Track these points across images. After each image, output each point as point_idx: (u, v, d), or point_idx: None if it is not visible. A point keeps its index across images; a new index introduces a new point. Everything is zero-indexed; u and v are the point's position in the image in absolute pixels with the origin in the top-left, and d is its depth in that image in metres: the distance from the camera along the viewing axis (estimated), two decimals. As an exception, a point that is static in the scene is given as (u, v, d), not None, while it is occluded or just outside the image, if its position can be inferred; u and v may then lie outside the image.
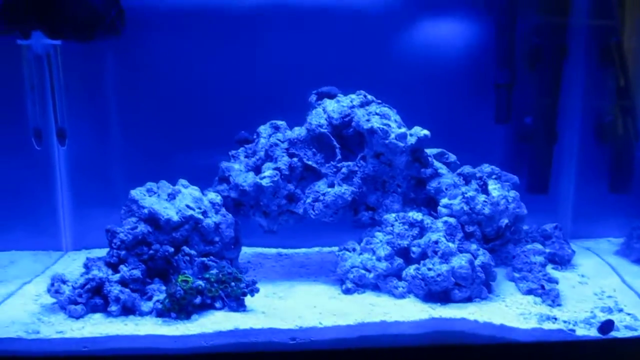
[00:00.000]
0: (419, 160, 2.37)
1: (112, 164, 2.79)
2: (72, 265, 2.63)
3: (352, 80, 2.60)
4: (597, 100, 2.81)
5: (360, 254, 2.32)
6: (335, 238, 2.75)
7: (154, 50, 2.69)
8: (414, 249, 2.24)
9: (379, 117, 2.33)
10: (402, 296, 2.21)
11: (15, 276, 2.47)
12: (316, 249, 2.88)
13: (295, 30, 2.70)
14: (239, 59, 2.72)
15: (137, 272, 2.15)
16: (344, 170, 2.36)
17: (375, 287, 2.28)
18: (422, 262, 2.21)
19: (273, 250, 2.87)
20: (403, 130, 2.31)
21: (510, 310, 2.13)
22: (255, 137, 2.52)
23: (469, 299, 2.18)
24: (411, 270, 2.20)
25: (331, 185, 2.36)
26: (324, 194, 2.34)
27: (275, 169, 2.36)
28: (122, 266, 2.17)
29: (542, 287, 2.21)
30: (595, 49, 2.77)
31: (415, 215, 2.29)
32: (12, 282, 2.40)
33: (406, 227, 2.27)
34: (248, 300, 2.14)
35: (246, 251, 2.79)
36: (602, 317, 2.03)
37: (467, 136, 2.73)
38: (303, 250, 2.87)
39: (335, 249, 2.75)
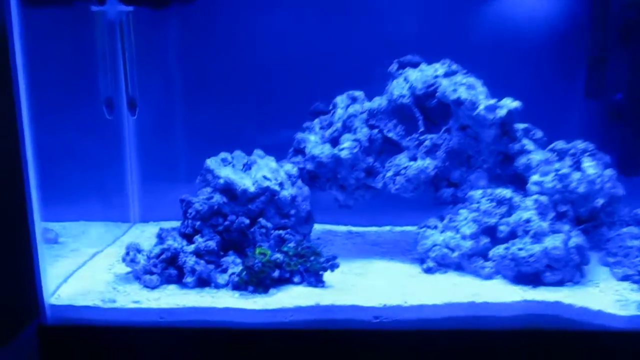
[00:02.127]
0: (507, 134, 2.23)
1: (180, 135, 2.73)
2: (140, 237, 2.59)
3: (434, 49, 2.46)
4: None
5: (443, 231, 2.20)
6: (407, 218, 2.65)
7: (225, 19, 2.61)
8: (501, 227, 2.11)
9: (465, 87, 2.19)
10: (489, 277, 2.08)
11: (87, 245, 2.44)
12: (387, 227, 2.77)
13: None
14: (313, 28, 2.62)
15: (212, 244, 2.08)
16: (427, 143, 2.24)
17: (458, 267, 2.16)
18: (510, 241, 2.07)
19: (343, 228, 2.77)
20: (492, 101, 2.17)
21: (605, 296, 1.98)
22: (331, 108, 2.42)
23: (560, 282, 2.04)
24: (500, 249, 2.07)
25: (413, 159, 2.24)
26: (405, 168, 2.23)
27: (354, 140, 2.26)
28: (197, 237, 2.10)
29: (641, 272, 2.05)
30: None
31: (503, 192, 2.15)
32: (85, 252, 2.37)
33: (494, 204, 2.14)
34: (327, 276, 2.05)
35: (315, 227, 2.70)
36: None
37: (554, 111, 2.57)
38: (374, 228, 2.77)
39: (408, 228, 2.65)
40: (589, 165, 2.17)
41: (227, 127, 2.70)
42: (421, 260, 2.21)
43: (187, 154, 2.73)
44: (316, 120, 2.42)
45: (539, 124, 2.41)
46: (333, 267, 2.03)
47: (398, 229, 2.75)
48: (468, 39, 2.57)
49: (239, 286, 2.01)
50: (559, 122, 2.55)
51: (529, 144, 2.28)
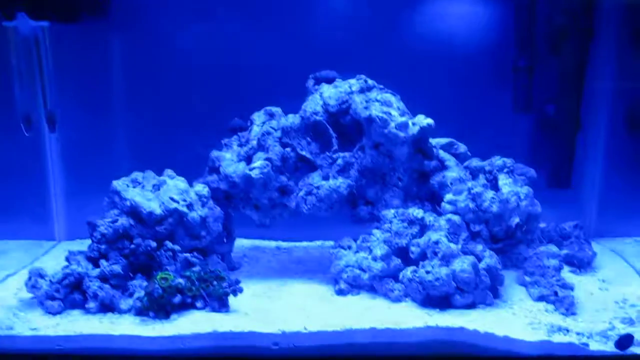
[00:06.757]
0: (422, 151, 2.18)
1: (105, 149, 2.68)
2: (62, 257, 2.54)
3: (357, 64, 2.41)
4: (629, 85, 2.54)
5: (356, 252, 2.15)
6: (341, 231, 2.59)
7: (145, 32, 2.55)
8: (413, 248, 2.06)
9: (379, 104, 2.14)
10: (398, 300, 2.04)
11: (1, 267, 2.39)
12: (318, 242, 2.73)
13: (295, 10, 2.52)
14: (235, 42, 2.56)
15: (117, 268, 2.04)
16: (339, 161, 2.19)
17: (371, 289, 2.11)
18: (421, 263, 2.03)
19: (272, 244, 2.73)
20: (404, 119, 2.11)
21: (517, 319, 1.93)
22: (249, 124, 2.37)
23: (471, 305, 1.99)
24: (408, 272, 2.02)
25: (326, 178, 2.20)
26: (317, 187, 2.18)
27: (266, 159, 2.21)
28: (102, 261, 2.06)
29: (555, 293, 2.00)
30: (628, 28, 2.49)
31: (415, 212, 2.10)
32: (-4, 274, 2.33)
33: (405, 224, 2.09)
34: (234, 300, 2.01)
35: (243, 244, 2.67)
36: (622, 329, 1.83)
37: (484, 125, 2.51)
38: (304, 244, 2.72)
39: (338, 243, 2.60)
40: (504, 184, 2.12)
41: (153, 138, 2.64)
42: (335, 281, 2.17)
43: (113, 166, 2.67)
44: (234, 137, 2.37)
45: (469, 139, 2.36)
46: (235, 292, 1.99)
47: (329, 243, 2.70)
48: (396, 52, 2.50)
49: (141, 312, 1.97)
50: (490, 136, 2.49)
51: (449, 160, 2.23)
